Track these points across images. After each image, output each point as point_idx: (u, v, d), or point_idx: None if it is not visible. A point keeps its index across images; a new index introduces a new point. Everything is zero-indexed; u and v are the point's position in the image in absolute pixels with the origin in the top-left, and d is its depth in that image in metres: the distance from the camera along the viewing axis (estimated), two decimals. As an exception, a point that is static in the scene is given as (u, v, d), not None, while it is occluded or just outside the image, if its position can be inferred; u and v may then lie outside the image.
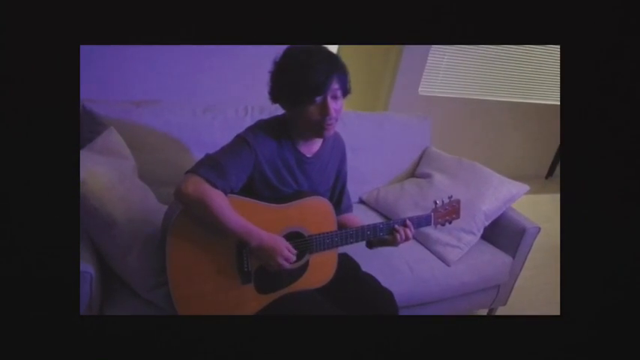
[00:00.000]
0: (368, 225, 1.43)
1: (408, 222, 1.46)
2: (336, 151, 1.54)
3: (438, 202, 1.56)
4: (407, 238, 1.46)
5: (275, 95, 1.33)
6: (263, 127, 1.35)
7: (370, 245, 1.54)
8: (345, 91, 1.32)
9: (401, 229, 1.44)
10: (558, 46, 2.86)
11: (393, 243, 1.46)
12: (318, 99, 1.26)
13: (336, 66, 1.27)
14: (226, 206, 1.20)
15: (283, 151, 1.35)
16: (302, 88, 1.24)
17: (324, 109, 1.27)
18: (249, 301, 1.33)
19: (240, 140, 1.30)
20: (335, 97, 1.28)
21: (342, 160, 1.58)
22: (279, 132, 1.35)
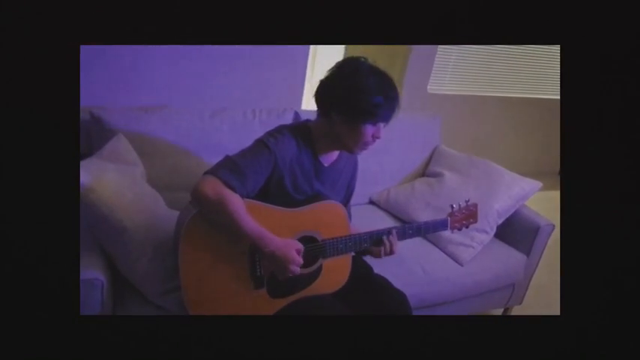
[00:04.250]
0: (382, 229, 1.42)
1: (394, 232, 1.41)
2: (350, 163, 1.54)
3: (454, 205, 1.54)
4: (391, 252, 1.40)
5: (334, 104, 1.31)
6: (284, 132, 1.34)
7: (358, 254, 1.50)
8: None
9: (387, 242, 1.39)
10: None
11: (377, 255, 1.41)
12: (380, 124, 1.32)
13: (398, 97, 1.32)
14: (242, 210, 1.20)
15: (302, 158, 1.35)
16: (377, 112, 1.28)
17: (378, 133, 1.33)
18: (262, 306, 1.32)
19: (261, 144, 1.29)
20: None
21: (354, 174, 1.58)
22: (300, 138, 1.35)
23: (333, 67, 1.33)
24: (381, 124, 1.33)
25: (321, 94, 1.33)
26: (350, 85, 1.28)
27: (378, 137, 1.34)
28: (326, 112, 1.33)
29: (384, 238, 1.40)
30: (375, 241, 1.40)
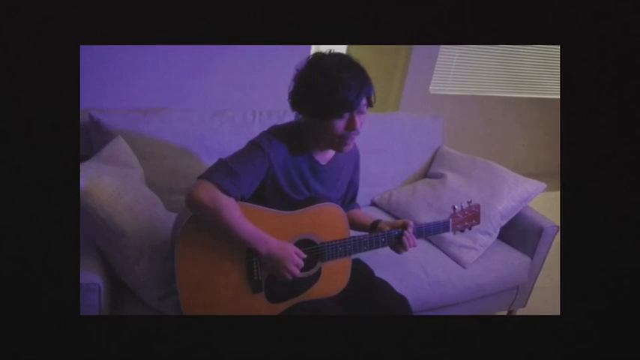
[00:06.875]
0: (382, 233, 1.40)
1: (409, 224, 1.40)
2: (350, 159, 1.51)
3: (456, 207, 1.51)
4: (412, 244, 1.41)
5: (298, 104, 1.30)
6: (277, 132, 1.32)
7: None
8: (371, 105, 1.31)
9: (410, 237, 1.39)
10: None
11: (401, 251, 1.42)
12: (347, 115, 1.25)
13: (367, 82, 1.26)
14: (237, 213, 1.18)
15: (297, 157, 1.33)
16: (332, 103, 1.22)
17: (351, 125, 1.26)
18: (261, 311, 1.30)
19: (254, 146, 1.27)
20: (361, 112, 1.27)
21: (356, 169, 1.56)
22: (293, 138, 1.33)
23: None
24: (354, 114, 1.26)
25: (289, 98, 1.32)
26: (298, 85, 1.28)
27: (353, 129, 1.27)
28: (303, 115, 1.33)
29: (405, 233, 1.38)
30: (375, 244, 1.39)
